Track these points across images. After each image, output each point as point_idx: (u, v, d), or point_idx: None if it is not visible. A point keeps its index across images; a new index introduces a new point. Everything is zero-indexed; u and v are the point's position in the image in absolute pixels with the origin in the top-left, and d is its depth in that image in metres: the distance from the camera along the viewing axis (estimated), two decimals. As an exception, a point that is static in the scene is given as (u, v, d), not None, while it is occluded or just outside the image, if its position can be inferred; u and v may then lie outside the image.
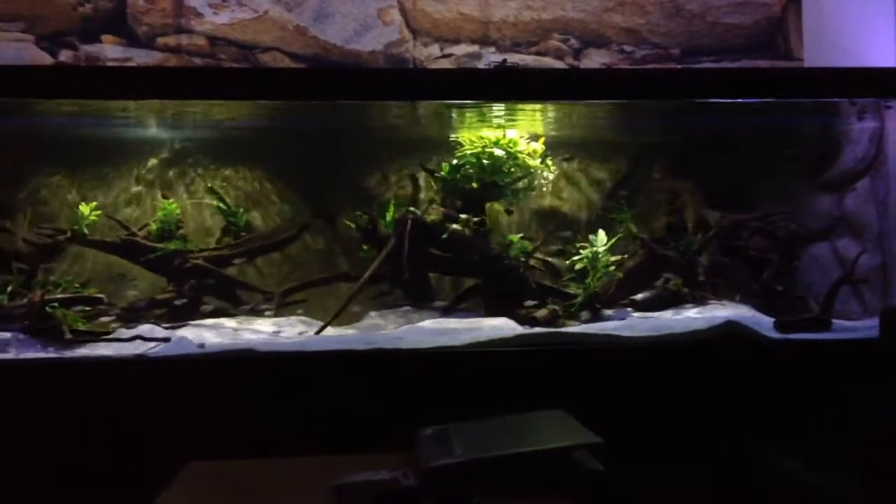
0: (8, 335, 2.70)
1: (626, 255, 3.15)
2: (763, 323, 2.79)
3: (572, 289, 3.10)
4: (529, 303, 2.96)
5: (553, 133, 3.20)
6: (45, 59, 3.18)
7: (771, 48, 3.46)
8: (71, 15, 3.19)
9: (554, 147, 3.20)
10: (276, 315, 3.08)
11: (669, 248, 3.17)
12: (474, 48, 3.38)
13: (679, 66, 3.42)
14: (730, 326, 2.66)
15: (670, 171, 3.39)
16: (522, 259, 3.08)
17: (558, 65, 3.39)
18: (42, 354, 2.67)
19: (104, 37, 3.21)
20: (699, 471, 2.41)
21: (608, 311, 3.01)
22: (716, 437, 2.48)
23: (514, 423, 1.94)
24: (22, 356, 2.64)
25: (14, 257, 2.95)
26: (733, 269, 3.17)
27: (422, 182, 3.30)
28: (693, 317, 2.94)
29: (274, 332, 2.91)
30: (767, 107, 2.88)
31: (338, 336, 2.84)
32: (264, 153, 3.29)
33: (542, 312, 2.92)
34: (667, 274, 3.13)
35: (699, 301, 3.11)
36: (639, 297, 3.09)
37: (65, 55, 3.19)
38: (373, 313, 3.07)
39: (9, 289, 2.84)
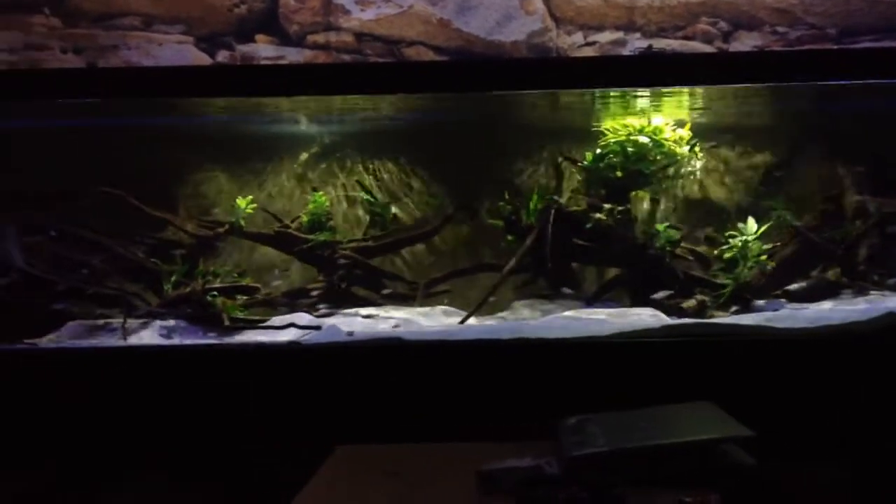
0: (172, 322, 2.86)
1: (778, 244, 3.04)
2: (929, 315, 2.64)
3: (721, 279, 3.01)
4: (660, 294, 2.90)
5: (700, 119, 3.12)
6: (204, 59, 3.33)
7: (938, 24, 3.26)
8: (227, 16, 3.33)
9: (701, 133, 3.12)
10: (421, 305, 3.13)
11: (826, 237, 3.04)
12: (619, 35, 3.32)
13: (836, 47, 3.26)
14: (892, 318, 2.53)
15: (827, 156, 3.24)
16: (669, 248, 3.02)
17: (706, 49, 3.30)
18: (203, 340, 2.81)
19: (258, 36, 3.34)
20: (853, 467, 2.31)
21: (759, 302, 2.92)
22: (873, 433, 2.36)
23: (660, 415, 1.91)
24: (185, 342, 2.79)
25: (178, 248, 3.12)
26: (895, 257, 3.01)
27: (565, 172, 3.28)
28: (852, 308, 2.81)
29: (419, 322, 2.96)
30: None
31: (482, 326, 2.87)
32: (410, 146, 3.35)
33: (689, 303, 2.86)
34: (824, 263, 3.01)
35: (859, 291, 2.97)
36: (793, 287, 2.98)
37: (222, 55, 3.33)
38: (517, 303, 3.08)
39: (173, 278, 3.01)
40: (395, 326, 2.87)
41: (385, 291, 3.21)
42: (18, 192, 3.03)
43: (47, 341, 2.77)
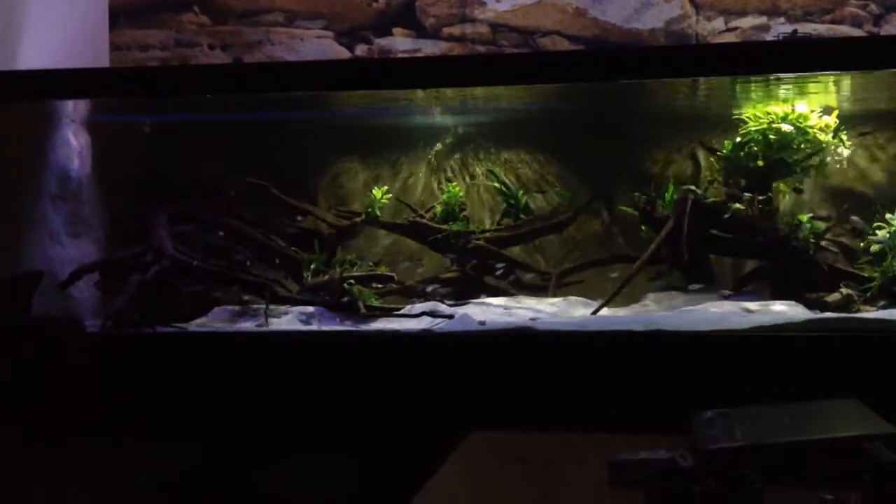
0: (311, 309, 2.95)
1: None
2: None
3: (868, 272, 2.88)
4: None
5: (849, 106, 2.99)
6: (344, 53, 3.42)
7: None
8: (366, 11, 3.40)
9: (849, 120, 2.99)
10: (554, 295, 3.12)
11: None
12: (762, 20, 3.23)
13: None
14: None
15: None
16: (812, 241, 2.91)
17: (856, 33, 3.16)
18: (340, 327, 2.89)
19: (395, 30, 3.40)
20: None
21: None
22: None
23: (801, 411, 1.84)
24: (323, 328, 2.88)
25: (317, 238, 3.21)
26: None
27: (702, 161, 3.20)
28: None
29: (551, 312, 2.96)
30: None
31: (616, 317, 2.84)
32: (543, 136, 3.34)
33: (834, 297, 2.76)
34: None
35: None
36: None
37: (360, 49, 3.41)
38: (651, 295, 3.03)
39: (312, 267, 3.10)
40: (530, 316, 2.88)
41: (511, 278, 3.21)
42: (169, 183, 3.18)
43: (195, 325, 2.90)
